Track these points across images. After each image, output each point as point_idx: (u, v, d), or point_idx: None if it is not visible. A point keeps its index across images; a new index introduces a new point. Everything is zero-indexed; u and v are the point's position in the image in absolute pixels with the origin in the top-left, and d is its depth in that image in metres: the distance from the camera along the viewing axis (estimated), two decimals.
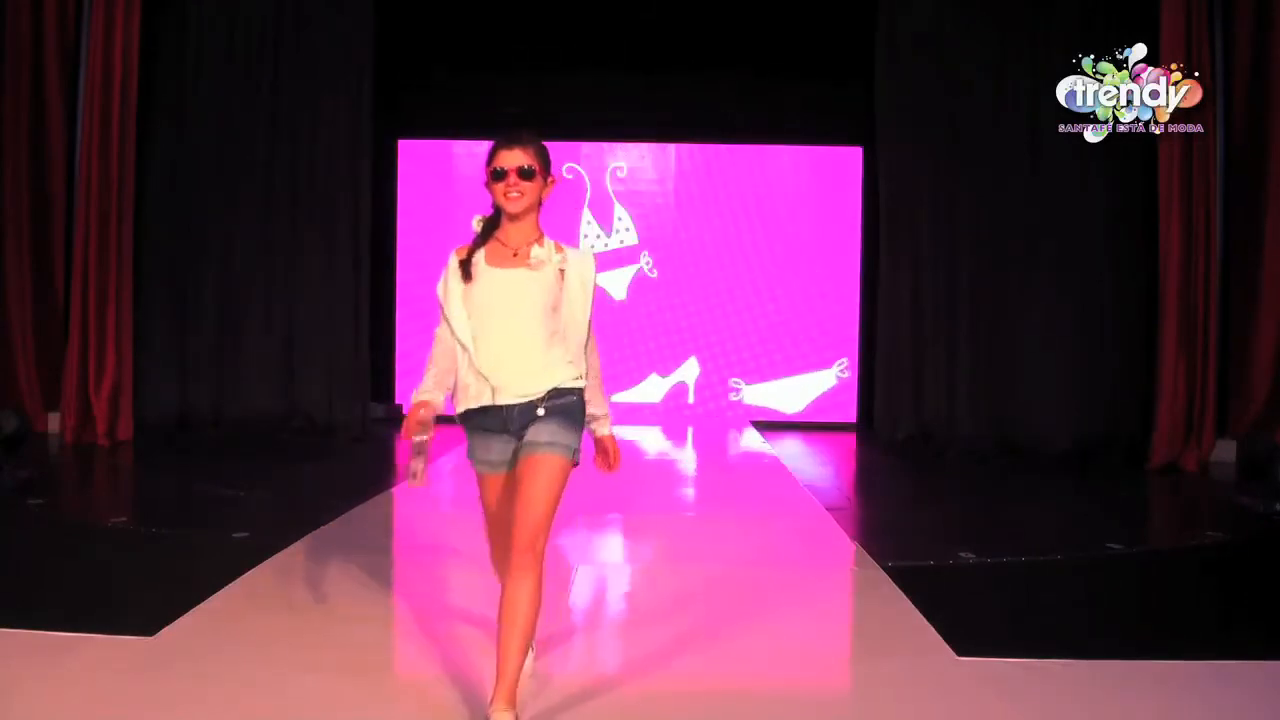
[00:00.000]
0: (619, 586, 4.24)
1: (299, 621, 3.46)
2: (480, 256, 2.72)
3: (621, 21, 8.95)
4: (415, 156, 9.77)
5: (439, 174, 9.81)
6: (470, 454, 2.75)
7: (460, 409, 2.70)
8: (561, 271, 2.72)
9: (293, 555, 4.32)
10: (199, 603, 3.57)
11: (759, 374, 9.74)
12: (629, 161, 9.82)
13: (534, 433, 2.63)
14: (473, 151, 9.43)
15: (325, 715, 2.72)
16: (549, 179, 2.73)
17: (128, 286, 7.77)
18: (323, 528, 4.83)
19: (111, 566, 4.24)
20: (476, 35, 8.93)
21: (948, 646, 3.29)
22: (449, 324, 2.69)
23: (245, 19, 8.27)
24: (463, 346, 2.68)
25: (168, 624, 3.33)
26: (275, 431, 8.20)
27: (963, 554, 4.61)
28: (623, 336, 9.73)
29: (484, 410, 2.66)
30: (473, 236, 2.76)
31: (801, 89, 9.19)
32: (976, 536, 4.95)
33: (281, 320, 8.38)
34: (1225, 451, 7.41)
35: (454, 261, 2.73)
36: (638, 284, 9.79)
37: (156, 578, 4.06)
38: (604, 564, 4.69)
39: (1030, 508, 6.16)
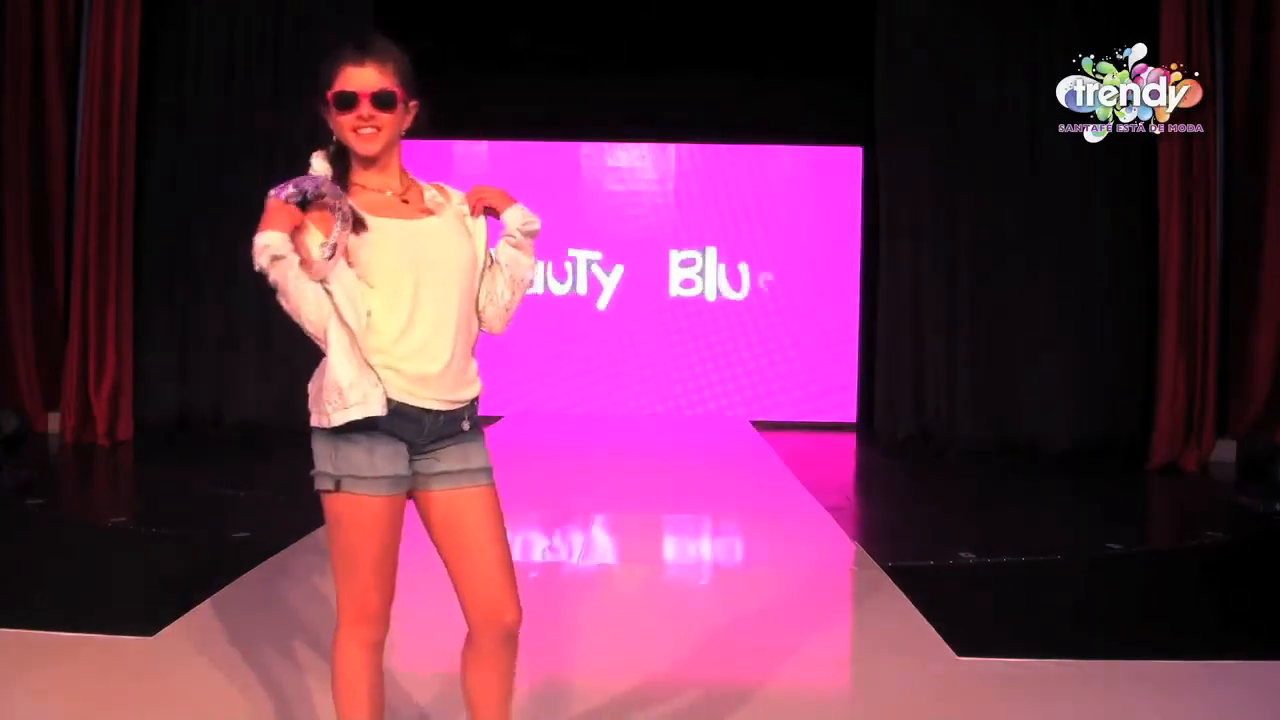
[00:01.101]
0: (618, 586, 4.23)
1: (299, 621, 3.46)
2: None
3: (621, 22, 8.94)
4: (415, 156, 9.63)
5: (439, 174, 9.62)
6: (340, 470, 1.93)
7: (343, 418, 1.87)
8: (462, 218, 2.10)
9: (293, 555, 4.32)
10: (199, 603, 3.57)
11: (759, 375, 9.73)
12: (629, 161, 9.81)
13: (464, 456, 2.00)
14: (473, 151, 9.40)
15: (324, 715, 2.72)
16: (411, 104, 2.06)
17: (128, 286, 7.76)
18: (322, 528, 4.81)
19: (111, 566, 4.24)
20: (476, 35, 8.92)
21: (948, 646, 3.29)
22: (331, 295, 1.94)
23: (245, 19, 8.26)
24: (343, 324, 1.92)
25: (168, 624, 3.33)
26: (275, 431, 8.20)
27: (963, 554, 4.61)
28: (621, 336, 9.73)
29: (396, 415, 1.90)
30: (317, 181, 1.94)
31: (801, 89, 9.18)
32: (976, 536, 4.95)
33: (282, 320, 8.32)
34: (1225, 451, 7.40)
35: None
36: (637, 283, 9.77)
37: (156, 578, 4.06)
38: (603, 564, 4.69)
39: (1030, 508, 6.15)
